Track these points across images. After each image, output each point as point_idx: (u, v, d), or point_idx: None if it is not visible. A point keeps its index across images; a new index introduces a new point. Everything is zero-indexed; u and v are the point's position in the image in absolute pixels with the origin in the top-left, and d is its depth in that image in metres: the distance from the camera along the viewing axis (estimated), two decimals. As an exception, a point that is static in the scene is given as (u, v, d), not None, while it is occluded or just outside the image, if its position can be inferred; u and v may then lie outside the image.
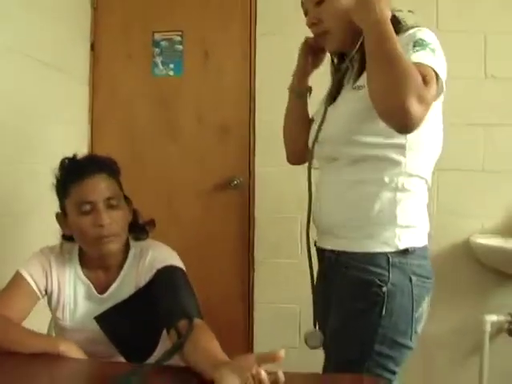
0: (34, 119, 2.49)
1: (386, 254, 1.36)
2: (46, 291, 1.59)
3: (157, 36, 3.07)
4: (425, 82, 1.22)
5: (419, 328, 1.39)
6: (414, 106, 1.17)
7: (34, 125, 2.49)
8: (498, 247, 2.52)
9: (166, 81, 3.07)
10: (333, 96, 1.52)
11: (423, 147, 1.42)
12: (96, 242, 1.51)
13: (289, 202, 2.83)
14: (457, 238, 2.80)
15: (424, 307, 1.39)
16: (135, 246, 1.63)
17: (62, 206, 1.59)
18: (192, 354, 1.25)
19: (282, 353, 1.02)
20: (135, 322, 1.53)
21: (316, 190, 1.54)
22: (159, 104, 3.05)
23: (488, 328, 2.62)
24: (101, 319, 1.56)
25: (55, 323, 1.64)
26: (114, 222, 1.51)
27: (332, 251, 1.48)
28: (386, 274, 1.34)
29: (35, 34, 2.48)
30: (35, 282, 1.55)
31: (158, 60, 3.06)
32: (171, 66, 3.05)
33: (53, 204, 2.47)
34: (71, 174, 1.55)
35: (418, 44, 1.29)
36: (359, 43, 1.38)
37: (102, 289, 1.60)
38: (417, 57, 1.27)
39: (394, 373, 1.38)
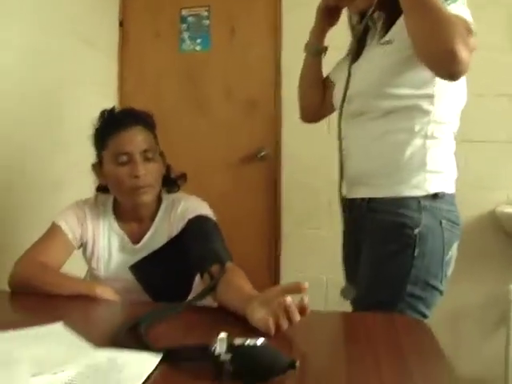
0: (65, 91, 2.56)
1: (416, 198, 1.38)
2: (81, 241, 1.64)
3: (184, 12, 3.12)
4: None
5: (449, 271, 1.42)
6: (462, 51, 1.17)
7: (65, 97, 2.56)
8: (525, 215, 2.52)
9: (194, 56, 3.11)
10: (355, 54, 1.55)
11: (450, 96, 1.44)
12: (131, 192, 1.55)
13: (315, 173, 2.86)
14: (483, 209, 2.81)
15: (453, 252, 1.41)
16: (167, 198, 1.67)
17: (99, 157, 1.63)
18: (225, 294, 1.29)
19: (306, 284, 1.06)
20: (168, 270, 1.57)
21: (340, 144, 1.59)
22: (187, 79, 3.10)
23: (514, 297, 2.62)
24: (135, 268, 1.60)
25: (90, 273, 1.69)
26: (149, 173, 1.55)
27: (362, 199, 1.50)
28: (418, 216, 1.36)
29: (67, 9, 2.55)
30: (71, 232, 1.60)
31: (186, 35, 3.11)
32: (198, 41, 3.10)
33: (82, 173, 2.55)
34: (109, 125, 1.59)
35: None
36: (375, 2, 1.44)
37: (135, 239, 1.64)
38: (451, 10, 1.27)
39: (424, 315, 1.40)
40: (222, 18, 3.05)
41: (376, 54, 1.46)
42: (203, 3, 3.08)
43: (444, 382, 0.87)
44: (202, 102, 3.07)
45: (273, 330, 1.03)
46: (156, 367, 0.88)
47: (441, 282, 1.39)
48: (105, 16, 3.05)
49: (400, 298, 1.37)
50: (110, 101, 3.08)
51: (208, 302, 1.37)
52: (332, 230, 2.86)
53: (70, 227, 1.60)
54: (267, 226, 3.00)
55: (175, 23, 3.12)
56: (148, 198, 1.57)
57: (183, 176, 1.73)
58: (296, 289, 1.07)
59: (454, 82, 1.39)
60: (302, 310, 1.04)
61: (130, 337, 1.02)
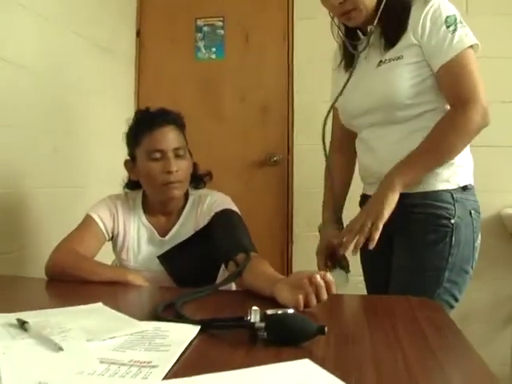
0: (84, 97, 2.66)
1: (449, 191, 1.50)
2: (112, 233, 1.74)
3: (199, 22, 3.23)
4: (468, 68, 1.45)
5: (477, 257, 1.54)
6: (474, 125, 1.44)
7: (84, 102, 2.66)
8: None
9: (209, 64, 3.22)
10: (349, 66, 1.67)
11: None
12: (163, 187, 1.65)
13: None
14: (488, 211, 2.88)
15: (480, 239, 1.55)
16: (193, 194, 1.78)
17: (132, 154, 1.74)
18: (251, 278, 1.38)
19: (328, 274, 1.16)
20: (194, 260, 1.66)
21: (362, 147, 1.70)
22: (203, 86, 3.20)
23: (521, 298, 2.69)
24: (163, 258, 1.69)
25: (120, 264, 1.78)
26: (181, 170, 1.66)
27: None
28: (452, 208, 1.48)
29: (88, 18, 2.66)
30: (103, 224, 1.70)
31: (201, 44, 3.22)
32: (213, 49, 3.20)
33: (102, 177, 2.65)
34: (143, 124, 1.69)
35: (449, 23, 1.46)
36: (377, 19, 1.54)
37: (163, 232, 1.74)
38: (457, 39, 1.45)
39: (457, 299, 1.52)
40: (236, 27, 3.16)
41: (388, 69, 1.53)
42: (218, 13, 3.19)
43: (462, 354, 0.95)
44: (217, 108, 3.17)
45: (302, 305, 1.11)
46: (195, 336, 0.97)
47: (472, 266, 1.52)
48: (122, 25, 3.16)
49: (439, 284, 1.49)
50: (128, 107, 3.18)
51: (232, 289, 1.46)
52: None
53: (102, 219, 1.71)
54: (279, 228, 3.08)
55: (191, 32, 3.23)
56: (178, 193, 1.67)
57: (209, 174, 1.83)
58: (319, 274, 1.16)
59: None
60: (328, 286, 1.13)
61: (167, 313, 1.11)
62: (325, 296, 1.13)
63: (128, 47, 3.23)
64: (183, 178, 1.67)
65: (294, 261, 3.07)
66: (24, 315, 1.06)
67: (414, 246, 1.53)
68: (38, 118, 2.25)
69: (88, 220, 1.70)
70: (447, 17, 1.46)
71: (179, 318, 1.07)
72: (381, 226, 1.42)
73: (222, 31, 3.19)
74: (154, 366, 0.81)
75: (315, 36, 2.91)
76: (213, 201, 1.72)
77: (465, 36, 1.45)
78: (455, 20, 1.46)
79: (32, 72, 2.20)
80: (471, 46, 1.46)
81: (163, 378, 0.77)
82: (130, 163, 1.75)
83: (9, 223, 2.06)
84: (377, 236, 1.42)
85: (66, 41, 2.47)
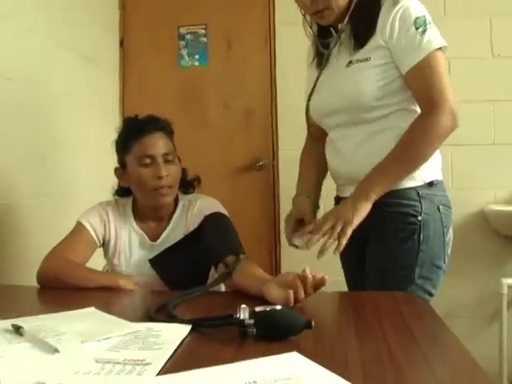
0: (71, 106, 2.67)
1: (415, 189, 1.51)
2: (103, 240, 1.76)
3: (182, 30, 3.26)
4: (437, 71, 1.46)
5: (449, 251, 1.54)
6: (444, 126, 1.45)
7: (71, 111, 2.67)
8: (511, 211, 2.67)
9: (193, 71, 3.25)
10: (320, 64, 1.67)
11: None
12: (154, 192, 1.68)
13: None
14: (472, 209, 2.94)
15: (450, 233, 1.54)
16: (183, 199, 1.81)
17: (122, 162, 1.76)
18: (239, 279, 1.42)
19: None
20: (185, 263, 1.68)
21: (331, 148, 1.70)
22: (187, 93, 3.22)
23: (505, 291, 2.72)
24: (154, 262, 1.72)
25: (111, 270, 1.80)
26: (171, 174, 1.69)
27: None
28: (419, 205, 1.49)
29: (72, 29, 2.68)
30: (94, 231, 1.73)
31: (184, 52, 3.25)
32: (196, 57, 3.24)
33: (89, 184, 2.67)
34: (133, 131, 1.72)
35: (418, 24, 1.45)
36: (347, 18, 1.55)
37: (154, 237, 1.77)
38: (426, 40, 1.45)
39: (431, 294, 1.54)
40: (219, 34, 3.20)
41: (356, 70, 1.54)
42: (200, 21, 3.22)
43: (446, 345, 0.99)
44: (201, 114, 3.20)
45: (292, 301, 1.15)
46: (187, 335, 1.00)
47: (444, 261, 1.52)
48: (106, 35, 3.18)
49: (411, 281, 1.50)
50: (113, 115, 3.20)
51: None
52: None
53: (93, 226, 1.73)
54: (266, 231, 3.12)
55: (174, 41, 3.26)
56: (169, 199, 1.71)
57: (197, 178, 1.86)
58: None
59: None
60: (317, 284, 1.17)
61: (159, 314, 1.14)
62: (311, 291, 1.16)
63: (112, 57, 3.25)
64: (173, 183, 1.70)
65: (283, 263, 3.10)
66: (18, 321, 1.08)
67: (385, 245, 1.54)
68: (25, 129, 2.27)
69: (79, 227, 1.72)
70: (416, 18, 1.46)
71: (171, 319, 1.10)
72: (349, 233, 1.41)
73: (205, 39, 3.22)
74: (147, 364, 0.84)
75: (297, 40, 2.91)
76: (202, 204, 1.75)
77: (434, 38, 1.45)
78: (424, 21, 1.46)
79: (19, 84, 2.21)
80: (440, 48, 1.46)
81: (157, 374, 0.80)
82: (120, 170, 1.78)
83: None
84: (344, 242, 1.40)
85: (51, 52, 2.49)
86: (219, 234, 1.64)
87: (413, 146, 1.46)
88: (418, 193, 1.50)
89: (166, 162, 1.69)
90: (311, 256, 2.72)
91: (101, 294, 1.47)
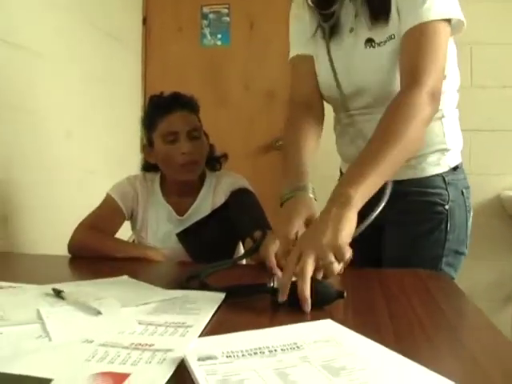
0: (95, 83, 2.72)
1: (441, 175, 1.44)
2: (131, 212, 1.81)
3: (205, 9, 3.28)
4: (428, 45, 1.22)
5: (469, 233, 1.48)
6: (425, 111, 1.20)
7: (95, 88, 2.72)
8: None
9: (215, 51, 3.28)
10: (328, 39, 1.45)
11: (452, 76, 1.45)
12: (179, 168, 1.73)
13: (329, 162, 2.99)
14: (488, 194, 2.97)
15: (472, 216, 1.49)
16: (210, 175, 1.85)
17: (149, 139, 1.81)
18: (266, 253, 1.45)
19: None
20: (212, 238, 1.73)
21: (351, 130, 1.52)
22: (208, 72, 3.26)
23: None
24: (181, 235, 1.77)
25: (138, 242, 1.85)
26: (195, 150, 1.73)
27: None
28: (445, 192, 1.42)
29: (96, 6, 2.72)
30: (123, 203, 1.78)
31: (207, 31, 3.27)
32: (219, 36, 3.26)
33: (112, 163, 2.71)
34: (158, 109, 1.76)
35: None
36: None
37: (181, 212, 1.82)
38: (427, 7, 1.22)
39: (453, 279, 1.48)
40: (242, 14, 3.22)
41: (382, 55, 1.35)
42: (223, 1, 3.24)
43: (474, 317, 1.02)
44: (222, 94, 3.23)
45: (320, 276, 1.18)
46: (222, 302, 1.04)
47: (466, 246, 1.47)
48: (129, 13, 3.22)
49: (438, 269, 1.45)
50: (136, 93, 3.24)
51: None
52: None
53: (122, 199, 1.79)
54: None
55: (196, 19, 3.28)
56: (194, 174, 1.75)
57: (225, 155, 1.90)
58: None
59: (452, 67, 1.44)
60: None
61: (191, 284, 1.18)
62: (339, 270, 1.19)
63: (135, 35, 3.29)
64: (198, 158, 1.74)
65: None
66: (57, 286, 1.12)
67: (409, 236, 1.46)
68: (51, 104, 2.31)
69: (108, 199, 1.78)
70: None
71: (204, 287, 1.14)
72: (347, 257, 1.04)
73: (228, 18, 3.24)
74: (189, 326, 0.88)
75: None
76: (229, 181, 1.80)
77: (438, 6, 1.23)
78: None
79: (48, 59, 2.26)
80: (448, 21, 1.24)
81: (199, 336, 0.84)
82: (148, 148, 1.83)
83: (23, 207, 2.13)
84: (341, 266, 1.06)
85: (78, 29, 2.53)
86: (246, 210, 1.68)
87: (396, 134, 1.16)
88: (444, 179, 1.43)
89: (191, 138, 1.73)
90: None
91: (131, 263, 1.51)
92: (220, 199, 1.78)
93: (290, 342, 0.77)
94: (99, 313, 0.95)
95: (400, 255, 1.48)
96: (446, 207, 1.42)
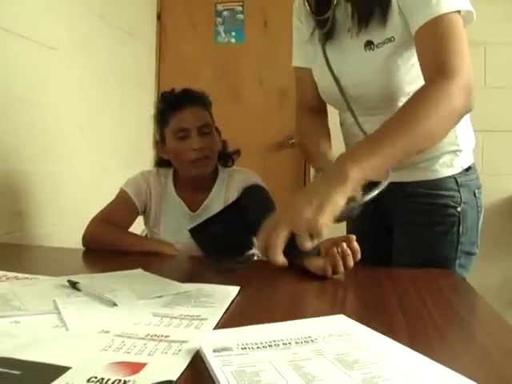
0: (109, 78, 2.74)
1: (453, 177, 1.40)
2: (144, 207, 1.83)
3: (219, 6, 3.29)
4: (450, 37, 1.14)
5: (480, 233, 1.46)
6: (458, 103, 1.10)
7: (109, 84, 2.74)
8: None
9: (229, 48, 3.30)
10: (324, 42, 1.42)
11: None
12: (190, 164, 1.74)
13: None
14: (501, 195, 2.96)
15: (483, 216, 1.46)
16: (223, 171, 1.87)
17: (161, 135, 1.82)
18: None
19: (354, 237, 1.22)
20: (224, 234, 1.73)
21: (353, 131, 1.47)
22: (222, 70, 3.27)
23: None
24: (194, 231, 1.77)
25: (151, 237, 1.87)
26: (206, 146, 1.74)
27: (393, 183, 1.18)
28: (458, 194, 1.39)
29: (111, 1, 2.74)
30: (137, 198, 1.80)
31: (221, 29, 3.28)
32: (233, 33, 3.28)
33: (124, 158, 2.73)
34: (170, 105, 1.78)
35: None
36: None
37: (193, 207, 1.83)
38: (436, 7, 1.16)
39: (464, 279, 1.47)
40: (256, 12, 3.23)
41: (380, 56, 1.31)
42: (237, -2, 3.25)
43: (487, 315, 1.03)
44: (236, 91, 3.25)
45: (330, 272, 1.19)
46: (236, 295, 1.05)
47: (477, 246, 1.45)
48: (143, 9, 3.23)
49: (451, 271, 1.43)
50: (149, 89, 3.26)
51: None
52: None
53: (135, 193, 1.80)
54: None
55: (210, 17, 3.30)
56: (206, 169, 1.76)
57: (237, 152, 1.90)
58: (345, 240, 1.23)
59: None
60: (354, 254, 1.21)
61: (206, 276, 1.19)
62: (351, 263, 1.20)
63: (149, 31, 3.30)
64: (210, 154, 1.76)
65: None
66: (72, 278, 1.14)
67: (420, 240, 1.45)
68: (65, 99, 2.33)
69: (122, 194, 1.80)
70: None
71: (218, 281, 1.15)
72: (322, 234, 0.94)
73: (242, 16, 3.25)
74: (203, 319, 0.89)
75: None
76: (241, 177, 1.81)
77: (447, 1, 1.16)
78: None
79: (62, 54, 2.28)
80: (459, 12, 1.17)
81: (214, 329, 0.85)
82: (160, 144, 1.84)
83: (37, 200, 2.16)
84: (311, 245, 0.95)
85: (92, 24, 2.55)
86: (259, 206, 1.68)
87: (418, 120, 1.06)
88: (457, 181, 1.40)
89: (202, 134, 1.74)
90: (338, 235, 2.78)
91: (144, 257, 1.52)
92: (232, 195, 1.79)
93: (304, 336, 0.78)
94: (115, 304, 0.96)
95: (412, 257, 1.46)
96: (459, 209, 1.39)
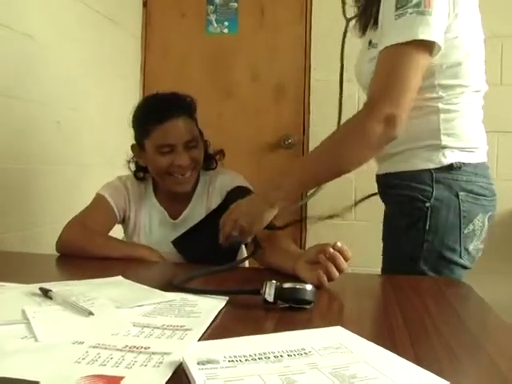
0: (90, 70, 2.73)
1: (429, 171, 1.44)
2: (123, 215, 1.83)
3: (211, -7, 3.29)
4: (391, 65, 1.32)
5: (471, 245, 1.44)
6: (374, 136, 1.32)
7: (90, 76, 2.74)
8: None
9: (221, 39, 3.30)
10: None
11: (460, 76, 1.44)
12: (172, 180, 1.72)
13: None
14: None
15: (477, 224, 1.43)
16: (205, 175, 1.86)
17: (140, 142, 1.77)
18: (271, 255, 1.47)
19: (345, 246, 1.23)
20: (209, 243, 1.71)
21: None
22: (213, 62, 3.27)
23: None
24: (177, 242, 1.76)
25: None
26: (193, 160, 1.72)
27: (382, 175, 1.59)
28: (430, 189, 1.42)
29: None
30: (115, 204, 1.79)
31: (213, 18, 3.28)
32: (226, 23, 3.28)
33: (106, 156, 2.72)
34: (153, 114, 1.70)
35: (400, 4, 1.29)
36: None
37: (175, 215, 1.83)
38: (398, 28, 1.30)
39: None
40: (251, 0, 3.22)
41: (367, 57, 1.49)
42: (231, -15, 3.25)
43: (495, 323, 1.03)
44: (228, 85, 3.25)
45: (326, 281, 1.19)
46: (224, 306, 1.05)
47: (460, 255, 1.43)
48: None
49: (416, 271, 1.43)
50: (134, 82, 3.26)
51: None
52: (358, 220, 3.03)
53: (114, 199, 1.79)
54: (292, 217, 3.15)
55: (201, 5, 3.30)
56: (188, 186, 1.76)
57: (220, 152, 1.90)
58: (330, 244, 1.23)
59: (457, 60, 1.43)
60: (344, 254, 1.21)
61: (191, 286, 1.19)
62: (344, 265, 1.20)
63: (134, 19, 3.30)
64: (195, 167, 1.74)
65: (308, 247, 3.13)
66: (45, 286, 1.13)
67: (390, 230, 1.55)
68: (42, 90, 2.32)
69: (100, 199, 1.78)
70: None
71: (204, 291, 1.15)
72: (247, 239, 1.51)
73: (236, 4, 3.26)
74: (188, 329, 0.89)
75: (336, 13, 2.95)
76: (223, 180, 1.81)
77: (411, 27, 1.28)
78: (409, 2, 1.28)
79: (38, 42, 2.27)
80: (421, 41, 1.29)
81: (199, 340, 0.84)
82: (138, 149, 1.80)
83: (10, 200, 2.15)
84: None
85: (72, 10, 2.54)
86: None
87: (334, 148, 1.41)
88: (433, 176, 1.44)
89: (188, 149, 1.71)
90: (342, 238, 2.77)
91: (125, 263, 1.52)
92: (215, 200, 1.79)
93: (297, 348, 0.77)
94: (90, 313, 0.96)
95: (386, 249, 1.57)
96: (427, 205, 1.42)
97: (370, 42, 1.47)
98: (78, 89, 2.62)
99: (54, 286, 1.13)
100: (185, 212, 1.81)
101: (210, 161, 1.88)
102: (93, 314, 0.96)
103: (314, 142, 3.10)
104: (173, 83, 3.19)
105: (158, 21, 3.35)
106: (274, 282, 1.04)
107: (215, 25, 3.28)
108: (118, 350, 0.79)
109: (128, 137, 1.86)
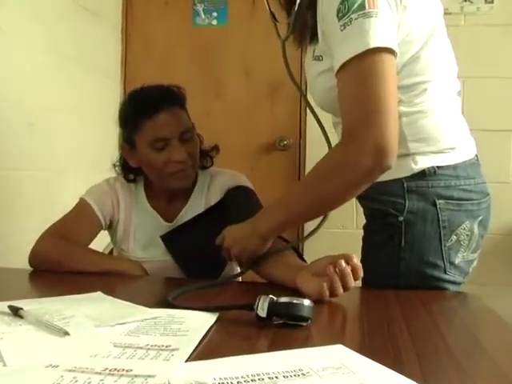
0: (66, 64, 2.72)
1: (400, 180, 1.38)
2: (110, 221, 1.81)
3: (198, -19, 3.30)
4: (360, 82, 1.23)
5: (458, 258, 1.40)
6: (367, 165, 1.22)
7: (66, 71, 2.73)
8: None
9: (209, 31, 3.30)
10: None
11: (424, 73, 1.38)
12: (170, 177, 1.70)
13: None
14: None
15: (462, 233, 1.39)
16: (203, 174, 1.85)
17: (130, 139, 1.75)
18: (271, 267, 1.46)
19: (354, 255, 1.23)
20: (203, 242, 1.68)
21: None
22: (201, 57, 3.27)
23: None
24: (167, 238, 1.75)
25: (118, 254, 1.85)
26: (190, 155, 1.71)
27: None
28: (402, 201, 1.38)
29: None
30: (100, 210, 1.77)
31: (200, 8, 3.29)
32: (214, 14, 3.28)
33: (84, 158, 2.71)
34: (142, 108, 1.68)
35: (342, 12, 1.21)
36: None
37: (169, 218, 1.81)
38: (345, 43, 1.22)
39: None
40: (242, -12, 3.23)
41: (313, 71, 1.47)
42: (220, -28, 3.26)
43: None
44: (217, 82, 3.25)
45: (327, 294, 1.19)
46: (214, 323, 1.04)
47: (445, 271, 1.40)
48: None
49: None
50: (114, 79, 3.25)
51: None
52: (357, 229, 3.02)
53: (99, 205, 1.77)
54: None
55: (187, -6, 3.30)
56: (188, 181, 1.75)
57: (215, 148, 1.90)
58: (344, 257, 1.23)
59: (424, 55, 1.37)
60: (355, 271, 1.20)
61: (178, 302, 1.18)
62: (352, 283, 1.20)
63: (114, 10, 3.30)
64: (194, 163, 1.73)
65: (305, 255, 3.13)
66: (15, 304, 1.12)
67: (366, 247, 1.54)
68: (11, 88, 2.31)
69: (82, 204, 1.77)
70: (340, 2, 1.20)
71: (192, 307, 1.14)
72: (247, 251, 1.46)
73: (225, -7, 3.26)
74: (174, 349, 0.88)
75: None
76: (224, 179, 1.81)
77: (360, 34, 1.20)
78: (351, 7, 1.19)
79: (7, 33, 2.26)
80: (378, 49, 1.20)
81: (186, 361, 0.84)
82: (128, 149, 1.78)
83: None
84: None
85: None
86: (245, 210, 1.63)
87: (317, 185, 1.31)
88: (404, 186, 1.39)
89: (184, 141, 1.70)
90: (334, 249, 2.78)
91: (105, 278, 1.52)
92: (214, 199, 1.79)
93: (294, 369, 0.77)
94: (66, 333, 0.95)
95: (362, 262, 1.45)
96: (400, 219, 1.39)
97: (313, 55, 1.44)
98: (52, 86, 2.61)
99: (26, 304, 1.12)
100: (181, 214, 1.80)
101: (205, 157, 1.87)
102: (69, 334, 0.95)
103: (312, 143, 3.10)
104: (156, 80, 3.16)
105: (140, 11, 3.35)
106: (268, 296, 1.04)
107: (203, 16, 3.29)
108: (96, 373, 0.78)
109: (109, 139, 1.85)
